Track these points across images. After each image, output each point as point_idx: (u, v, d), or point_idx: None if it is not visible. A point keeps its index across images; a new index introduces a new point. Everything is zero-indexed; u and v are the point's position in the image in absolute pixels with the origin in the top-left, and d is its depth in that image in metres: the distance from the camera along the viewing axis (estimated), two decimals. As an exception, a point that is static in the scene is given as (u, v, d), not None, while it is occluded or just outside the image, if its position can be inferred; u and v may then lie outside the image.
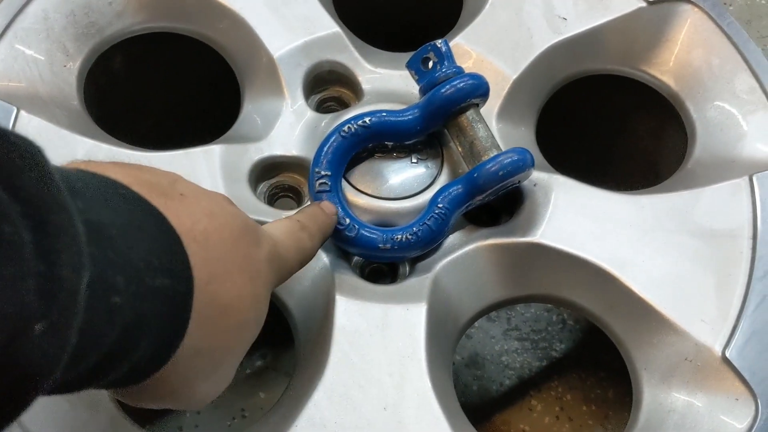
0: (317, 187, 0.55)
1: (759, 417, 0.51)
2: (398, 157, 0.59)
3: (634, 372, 0.56)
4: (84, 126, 0.61)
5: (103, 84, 0.68)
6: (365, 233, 0.55)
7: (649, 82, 0.67)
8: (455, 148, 0.58)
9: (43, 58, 0.62)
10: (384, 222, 0.57)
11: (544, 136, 0.66)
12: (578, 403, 0.87)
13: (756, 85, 0.63)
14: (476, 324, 0.91)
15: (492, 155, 0.54)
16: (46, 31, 0.63)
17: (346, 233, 0.54)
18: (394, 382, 0.51)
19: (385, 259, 0.57)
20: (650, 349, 0.55)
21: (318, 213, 0.51)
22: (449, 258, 0.56)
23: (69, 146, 0.58)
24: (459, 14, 0.70)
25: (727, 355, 0.52)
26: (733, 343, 0.52)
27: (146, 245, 0.30)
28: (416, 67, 0.58)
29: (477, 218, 0.59)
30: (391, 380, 0.51)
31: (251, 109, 0.64)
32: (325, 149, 0.56)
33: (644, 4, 0.65)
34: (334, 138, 0.56)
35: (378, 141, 0.58)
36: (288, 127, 0.61)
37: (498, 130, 0.62)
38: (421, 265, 0.57)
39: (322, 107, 0.65)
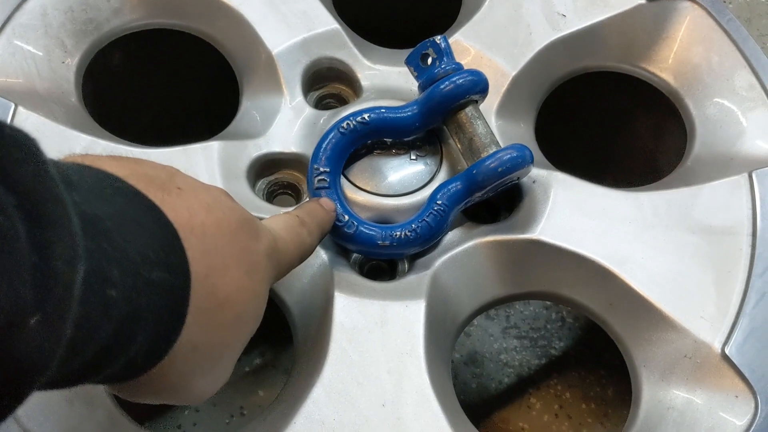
0: (316, 184, 0.55)
1: (758, 414, 0.51)
2: (397, 154, 0.59)
3: (634, 369, 0.56)
4: (82, 122, 0.61)
5: (101, 80, 0.68)
6: (364, 230, 0.54)
7: (649, 79, 0.67)
8: (454, 144, 0.58)
9: (41, 54, 0.62)
10: (383, 219, 0.57)
11: (544, 133, 0.66)
12: (577, 401, 0.87)
13: (755, 81, 0.63)
14: (475, 322, 0.91)
15: (491, 152, 0.54)
16: (44, 27, 0.63)
17: (345, 230, 0.54)
18: (393, 379, 0.51)
19: (384, 255, 0.57)
20: (649, 346, 0.55)
21: (317, 209, 0.51)
22: (448, 255, 0.56)
23: (67, 142, 0.57)
24: (458, 11, 0.69)
25: (727, 352, 0.52)
26: (732, 340, 0.52)
27: (142, 238, 0.30)
28: (415, 64, 0.58)
29: (476, 215, 0.59)
30: (389, 377, 0.51)
31: (250, 106, 0.64)
32: (324, 146, 0.56)
33: (644, 1, 0.65)
34: (332, 134, 0.56)
35: (377, 137, 0.58)
36: (287, 123, 0.61)
37: (497, 126, 0.62)
38: (420, 261, 0.57)
39: (321, 104, 0.65)
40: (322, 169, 0.55)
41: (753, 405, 0.51)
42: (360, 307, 0.53)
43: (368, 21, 0.71)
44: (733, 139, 0.62)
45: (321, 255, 0.56)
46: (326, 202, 0.53)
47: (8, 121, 0.57)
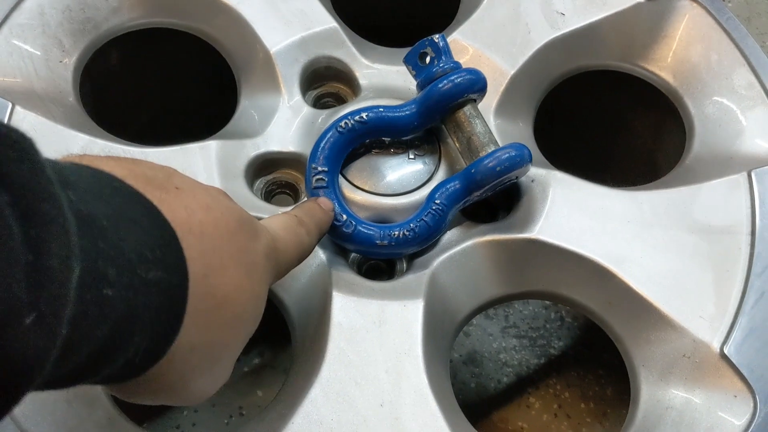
0: (314, 183, 0.55)
1: (757, 414, 0.50)
2: (395, 153, 0.59)
3: (632, 369, 0.56)
4: (80, 122, 0.61)
5: (99, 80, 0.68)
6: (362, 229, 0.54)
7: (648, 78, 0.67)
8: (453, 143, 0.57)
9: (39, 54, 0.62)
10: (381, 218, 0.57)
11: (542, 132, 0.66)
12: (576, 401, 0.87)
13: (754, 80, 0.63)
14: (474, 321, 0.91)
15: (489, 151, 0.54)
16: (42, 26, 0.62)
17: (343, 230, 0.54)
18: (391, 378, 0.50)
19: (383, 255, 0.57)
20: (648, 345, 0.55)
21: (315, 209, 0.51)
22: (447, 254, 0.56)
23: (64, 142, 0.57)
24: (457, 9, 0.69)
25: (726, 351, 0.52)
26: (731, 340, 0.52)
27: (139, 237, 0.29)
28: (413, 63, 0.57)
29: (474, 214, 0.59)
30: (387, 377, 0.50)
31: (248, 105, 0.64)
32: (322, 145, 0.56)
33: (642, 0, 0.65)
34: (331, 134, 0.56)
35: (375, 137, 0.58)
36: (285, 123, 0.61)
37: (496, 125, 0.61)
38: (418, 261, 0.57)
39: (319, 103, 0.65)
40: (320, 169, 0.55)
41: (752, 404, 0.51)
42: (358, 306, 0.53)
43: (366, 20, 0.71)
44: (733, 137, 0.62)
45: (319, 255, 0.56)
46: (324, 201, 0.53)
47: (5, 120, 0.57)
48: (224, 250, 0.36)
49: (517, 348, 0.91)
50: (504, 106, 0.63)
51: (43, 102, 0.60)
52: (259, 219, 0.45)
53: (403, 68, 0.59)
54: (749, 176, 0.58)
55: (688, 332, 0.53)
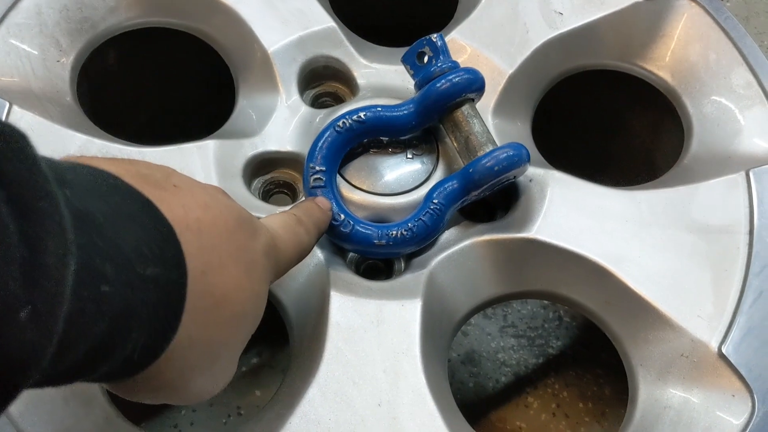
0: (312, 183, 0.55)
1: (755, 413, 0.50)
2: (393, 153, 0.59)
3: (631, 368, 0.56)
4: (77, 121, 0.61)
5: (96, 79, 0.68)
6: (360, 229, 0.54)
7: (646, 78, 0.67)
8: (451, 143, 0.57)
9: (36, 53, 0.62)
10: (379, 218, 0.57)
11: (540, 132, 0.66)
12: (575, 400, 0.87)
13: (753, 80, 0.63)
14: (472, 321, 0.91)
15: (487, 150, 0.54)
16: (39, 26, 0.62)
17: (341, 229, 0.54)
18: (389, 378, 0.50)
19: (381, 255, 0.57)
20: (646, 345, 0.55)
21: (313, 208, 0.51)
22: (445, 254, 0.56)
23: (62, 141, 0.57)
24: (455, 9, 0.69)
25: (724, 351, 0.52)
26: (729, 339, 0.52)
27: (137, 234, 0.29)
28: (411, 62, 0.57)
29: (473, 214, 0.59)
30: (385, 376, 0.50)
31: (246, 105, 0.64)
32: (320, 144, 0.55)
33: (641, -1, 0.65)
34: (328, 133, 0.56)
35: (373, 136, 0.58)
36: (283, 122, 0.61)
37: (494, 125, 0.61)
38: (416, 261, 0.57)
39: (317, 102, 0.65)
40: (318, 168, 0.55)
41: (750, 404, 0.51)
42: (356, 306, 0.53)
43: (365, 19, 0.71)
44: (731, 137, 0.62)
45: (317, 254, 0.56)
46: (322, 201, 0.53)
47: (2, 119, 0.57)
48: (223, 249, 0.35)
49: (515, 347, 0.91)
50: (502, 106, 0.63)
51: (40, 101, 0.60)
52: (258, 218, 0.45)
53: (401, 68, 0.59)
54: (747, 176, 0.58)
55: (686, 332, 0.53)
